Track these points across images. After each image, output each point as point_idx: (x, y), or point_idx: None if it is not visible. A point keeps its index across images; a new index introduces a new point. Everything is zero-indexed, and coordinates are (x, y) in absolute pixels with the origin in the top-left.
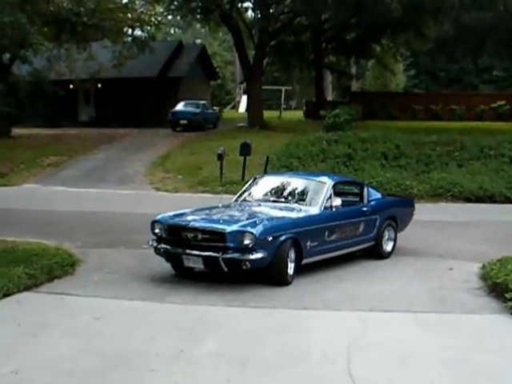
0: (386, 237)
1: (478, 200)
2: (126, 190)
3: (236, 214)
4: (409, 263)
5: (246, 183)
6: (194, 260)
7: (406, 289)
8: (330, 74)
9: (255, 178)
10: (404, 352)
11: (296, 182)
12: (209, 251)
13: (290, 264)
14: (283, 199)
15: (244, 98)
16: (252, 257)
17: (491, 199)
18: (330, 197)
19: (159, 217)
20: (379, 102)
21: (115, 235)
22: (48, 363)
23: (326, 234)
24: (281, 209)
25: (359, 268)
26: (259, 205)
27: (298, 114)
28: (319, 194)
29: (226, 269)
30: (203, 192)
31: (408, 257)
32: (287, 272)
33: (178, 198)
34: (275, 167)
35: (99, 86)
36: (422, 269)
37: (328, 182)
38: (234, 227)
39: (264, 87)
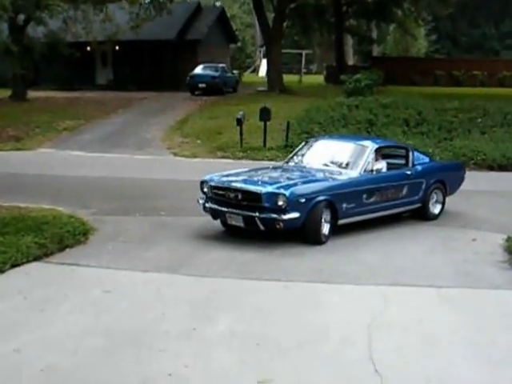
0: (434, 199)
1: (501, 168)
2: (144, 155)
3: (276, 176)
4: (432, 233)
5: (299, 145)
6: (235, 218)
7: (429, 261)
8: (350, 38)
9: (307, 141)
10: (428, 333)
11: (341, 146)
12: (248, 210)
13: (324, 224)
14: (327, 163)
15: (264, 62)
16: (285, 217)
17: None
18: (372, 160)
19: (207, 177)
20: (400, 67)
21: (131, 202)
22: (52, 341)
23: (364, 196)
24: (321, 172)
25: (377, 237)
26: (303, 168)
27: (319, 79)
28: (360, 157)
29: (262, 227)
30: (223, 157)
31: (431, 226)
32: (321, 232)
33: (196, 164)
34: (296, 133)
35: (117, 48)
36: (444, 239)
37: (370, 146)
38: (269, 189)
39: (284, 51)
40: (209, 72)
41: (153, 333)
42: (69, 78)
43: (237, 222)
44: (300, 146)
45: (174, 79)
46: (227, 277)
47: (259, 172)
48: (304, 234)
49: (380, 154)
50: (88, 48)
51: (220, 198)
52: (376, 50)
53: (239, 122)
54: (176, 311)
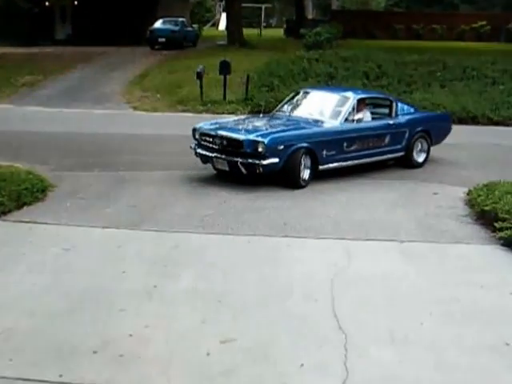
0: (418, 148)
1: (461, 121)
2: (103, 110)
3: (260, 124)
4: (393, 187)
5: (289, 96)
6: (221, 163)
7: (391, 215)
8: None
9: (297, 92)
10: (391, 288)
11: (326, 97)
12: (231, 156)
13: (303, 170)
14: (311, 112)
15: (224, 16)
16: (264, 162)
17: (474, 121)
18: (354, 111)
19: (198, 125)
20: (360, 21)
21: (91, 157)
22: (9, 302)
23: (345, 144)
24: (304, 121)
25: (339, 191)
26: (288, 117)
27: (279, 32)
28: (341, 108)
29: (244, 171)
30: (183, 111)
31: (392, 181)
32: (300, 176)
33: (156, 118)
34: (256, 86)
35: (75, 3)
36: (406, 193)
37: (352, 97)
38: (250, 136)
39: (244, 5)
40: (168, 26)
41: (113, 292)
42: (27, 34)
43: (222, 166)
44: (289, 97)
45: (133, 34)
46: (189, 231)
47: (246, 121)
48: (283, 179)
49: (363, 104)
50: (46, 3)
51: (208, 144)
52: (335, 4)
53: (199, 75)
54: (137, 268)
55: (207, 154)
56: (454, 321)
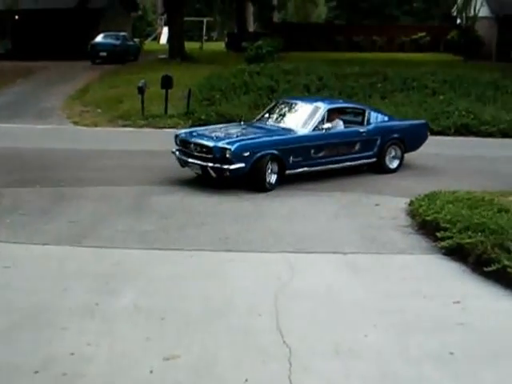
0: (391, 155)
1: None
2: (44, 125)
3: (233, 132)
4: (336, 199)
5: (269, 105)
6: (195, 167)
7: (334, 227)
8: (251, 5)
9: (277, 102)
10: (335, 300)
11: (300, 106)
12: (203, 161)
13: (269, 174)
14: (284, 121)
15: (165, 30)
16: (231, 167)
17: None
18: (324, 119)
19: (179, 132)
20: (301, 34)
21: (31, 173)
22: None
23: (313, 151)
24: (275, 129)
25: (281, 204)
26: (262, 125)
27: (220, 46)
28: (311, 117)
29: (214, 175)
30: (124, 126)
31: (334, 192)
32: (265, 180)
33: (97, 132)
34: (197, 100)
35: (16, 17)
36: (348, 205)
37: (322, 107)
38: (219, 144)
39: (185, 18)
40: (110, 40)
41: (54, 310)
42: None
43: (196, 170)
44: (269, 106)
45: (75, 48)
46: (131, 248)
47: (222, 129)
48: (250, 183)
49: (335, 114)
50: None
51: (185, 149)
52: (277, 17)
53: (141, 90)
54: (78, 286)
55: (184, 158)
56: (398, 332)
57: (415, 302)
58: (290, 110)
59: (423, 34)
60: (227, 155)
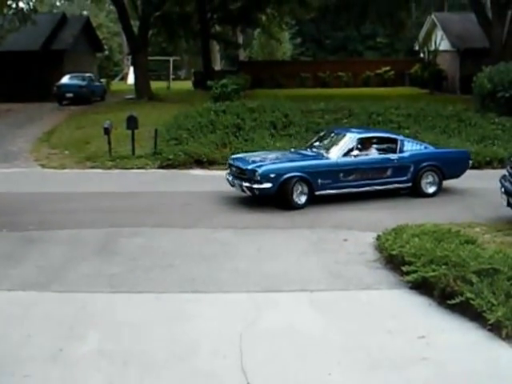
0: (427, 181)
1: None
2: (10, 169)
3: (269, 157)
4: (304, 236)
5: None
6: (237, 186)
7: (301, 264)
8: (217, 43)
9: (322, 132)
10: (300, 339)
11: (337, 135)
12: (241, 181)
13: (298, 195)
14: (320, 148)
15: (132, 70)
16: (260, 186)
17: None
18: (354, 147)
19: (231, 156)
20: (267, 71)
21: None
22: None
23: (341, 175)
24: (308, 155)
25: (250, 242)
26: (300, 152)
27: (187, 85)
28: (342, 145)
29: (248, 193)
30: (92, 167)
31: (302, 229)
32: (292, 200)
33: (64, 175)
34: (164, 139)
35: None
36: (316, 241)
37: (352, 137)
38: (250, 166)
39: (151, 58)
40: (76, 81)
41: (17, 357)
42: None
43: (238, 188)
44: (318, 135)
45: (40, 90)
46: (97, 291)
47: (264, 155)
48: (278, 201)
49: (368, 142)
50: None
51: (231, 171)
52: (243, 55)
53: (106, 131)
54: (42, 332)
55: (230, 179)
56: (362, 368)
57: (380, 338)
58: (329, 139)
59: (388, 68)
60: (256, 176)
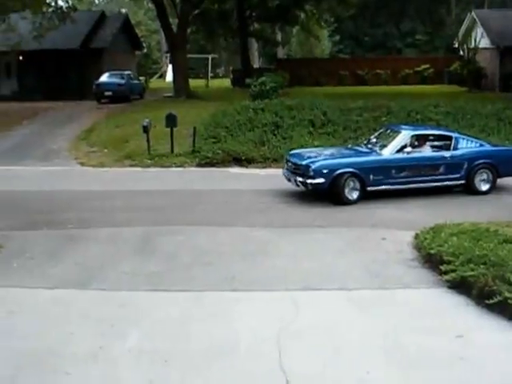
0: (481, 178)
1: None
2: (50, 167)
3: (324, 153)
4: (341, 234)
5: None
6: (293, 181)
7: (339, 263)
8: (255, 41)
9: (380, 128)
10: (339, 338)
11: (391, 132)
12: (296, 176)
13: (350, 190)
14: (375, 144)
15: (171, 67)
16: (313, 181)
17: None
18: (407, 144)
19: (288, 152)
20: (306, 68)
21: (39, 215)
22: None
23: (393, 171)
24: (362, 151)
25: (287, 242)
26: (356, 148)
27: (226, 82)
28: (395, 141)
29: (302, 187)
30: (131, 166)
31: (340, 228)
32: (344, 195)
33: (103, 173)
34: (202, 138)
35: (21, 58)
36: (354, 240)
37: (406, 133)
38: (304, 162)
39: (190, 56)
40: (115, 80)
41: (59, 354)
42: None
43: (294, 183)
44: (376, 132)
45: (80, 88)
46: (137, 290)
47: (318, 151)
48: (330, 196)
49: (422, 139)
50: None
51: (288, 166)
52: (281, 52)
53: (145, 129)
54: (84, 330)
55: (287, 174)
56: (400, 368)
57: (418, 338)
58: (384, 135)
59: (427, 65)
60: (309, 171)
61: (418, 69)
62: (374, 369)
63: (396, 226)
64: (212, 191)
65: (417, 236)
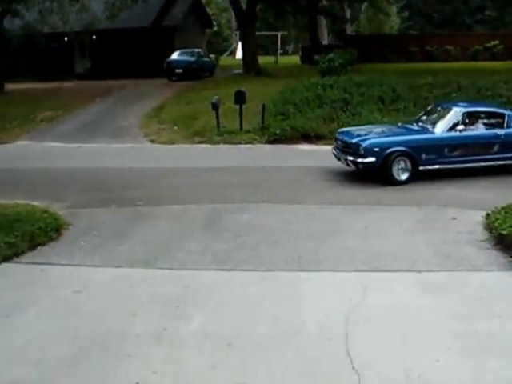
0: None
1: None
2: (121, 144)
3: (374, 131)
4: (411, 214)
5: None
6: (343, 160)
7: (408, 243)
8: (324, 18)
9: (432, 106)
10: (407, 323)
11: (443, 109)
12: (346, 154)
13: (397, 170)
14: (427, 122)
15: (240, 45)
16: (364, 160)
17: None
18: (459, 122)
19: (337, 130)
20: (374, 45)
21: (108, 193)
22: (17, 351)
23: (446, 150)
24: (413, 130)
25: (356, 220)
26: (407, 126)
27: (295, 59)
28: (447, 119)
29: (353, 167)
30: (200, 142)
31: (410, 206)
32: (392, 175)
33: (173, 150)
34: (271, 114)
35: (94, 37)
36: (424, 219)
37: (458, 110)
38: (354, 140)
39: (259, 33)
40: (185, 57)
41: (122, 336)
42: (47, 69)
43: (344, 162)
44: (426, 110)
45: (151, 66)
46: (202, 269)
47: (368, 129)
48: (380, 176)
49: (474, 116)
50: (65, 38)
51: (337, 145)
52: (350, 29)
53: (214, 106)
54: (147, 310)
55: (336, 153)
56: (471, 355)
57: (491, 323)
58: (435, 113)
59: (497, 42)
60: (360, 150)
61: (488, 45)
62: (444, 357)
63: (466, 206)
64: (280, 168)
65: (488, 216)
